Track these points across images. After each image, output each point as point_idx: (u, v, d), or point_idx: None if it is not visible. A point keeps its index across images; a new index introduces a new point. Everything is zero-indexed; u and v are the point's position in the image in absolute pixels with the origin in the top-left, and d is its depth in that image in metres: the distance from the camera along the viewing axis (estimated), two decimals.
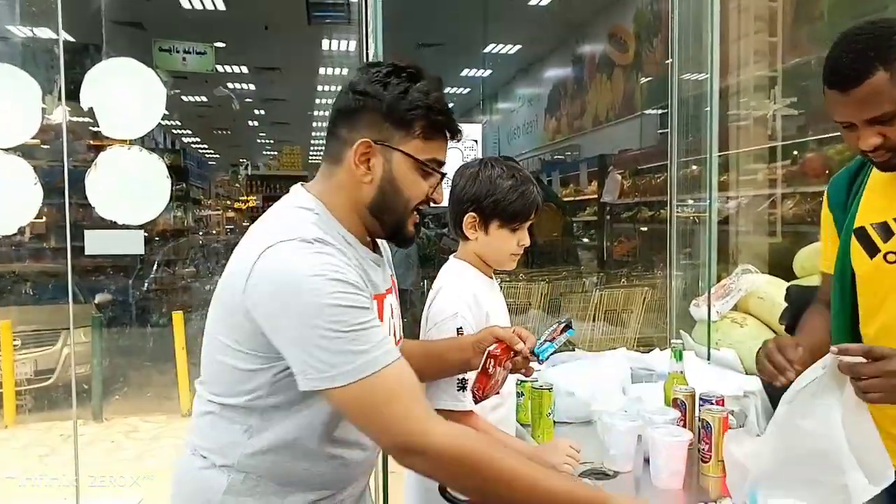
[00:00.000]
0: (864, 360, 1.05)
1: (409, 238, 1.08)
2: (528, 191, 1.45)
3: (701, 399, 1.56)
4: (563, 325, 1.34)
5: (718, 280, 2.71)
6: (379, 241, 1.15)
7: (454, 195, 1.51)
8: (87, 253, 2.48)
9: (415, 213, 1.07)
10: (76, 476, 2.62)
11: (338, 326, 0.88)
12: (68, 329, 5.07)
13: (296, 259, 0.91)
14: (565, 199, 7.58)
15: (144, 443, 4.36)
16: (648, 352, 2.36)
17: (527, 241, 1.49)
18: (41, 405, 4.82)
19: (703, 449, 1.43)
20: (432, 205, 1.08)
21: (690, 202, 3.55)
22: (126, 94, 2.34)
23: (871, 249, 1.27)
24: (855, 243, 1.30)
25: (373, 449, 1.11)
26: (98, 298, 5.66)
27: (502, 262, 1.51)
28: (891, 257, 1.24)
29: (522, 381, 1.74)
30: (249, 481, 1.01)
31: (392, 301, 1.13)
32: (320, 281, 0.89)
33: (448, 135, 1.05)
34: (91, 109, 2.34)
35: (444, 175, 1.08)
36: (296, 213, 1.01)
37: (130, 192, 2.40)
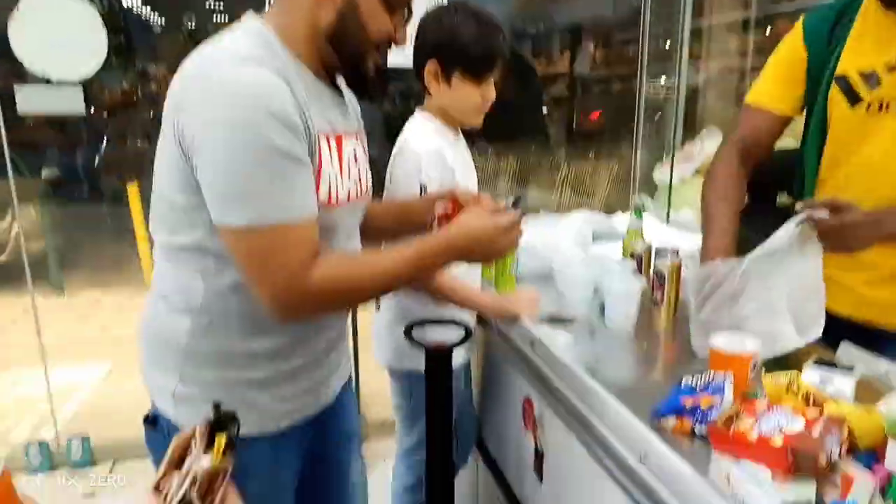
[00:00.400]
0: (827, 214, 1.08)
1: (366, 79, 1.00)
2: (492, 38, 1.36)
3: (656, 252, 1.58)
4: (512, 201, 1.28)
5: (682, 145, 2.70)
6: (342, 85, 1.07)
7: (416, 42, 1.41)
8: (20, 111, 2.30)
9: (376, 53, 0.99)
10: (41, 346, 2.62)
11: (255, 162, 0.83)
12: (16, 204, 4.91)
13: (238, 79, 0.84)
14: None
15: (109, 314, 4.37)
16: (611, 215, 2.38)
17: (492, 96, 1.42)
18: None
19: (657, 297, 1.47)
20: (394, 46, 1.00)
21: (662, 77, 3.46)
22: None
23: (853, 98, 1.24)
24: (835, 90, 1.26)
25: None
26: (45, 174, 5.42)
27: (467, 116, 1.45)
28: (873, 108, 1.21)
29: None
30: (213, 325, 0.99)
31: (355, 146, 1.06)
32: (253, 109, 0.83)
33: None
34: None
35: (410, 14, 1.00)
36: (242, 35, 0.93)
37: (62, 43, 2.19)
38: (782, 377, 0.90)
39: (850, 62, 1.25)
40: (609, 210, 4.06)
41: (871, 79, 1.22)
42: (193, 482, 0.51)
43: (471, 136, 1.59)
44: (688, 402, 0.92)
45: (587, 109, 6.77)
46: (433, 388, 1.28)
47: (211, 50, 0.90)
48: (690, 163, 2.46)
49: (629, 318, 1.38)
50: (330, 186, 0.96)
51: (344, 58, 0.98)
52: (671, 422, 0.93)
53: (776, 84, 1.38)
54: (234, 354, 1.00)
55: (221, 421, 0.56)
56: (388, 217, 1.30)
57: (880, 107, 1.21)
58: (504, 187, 4.47)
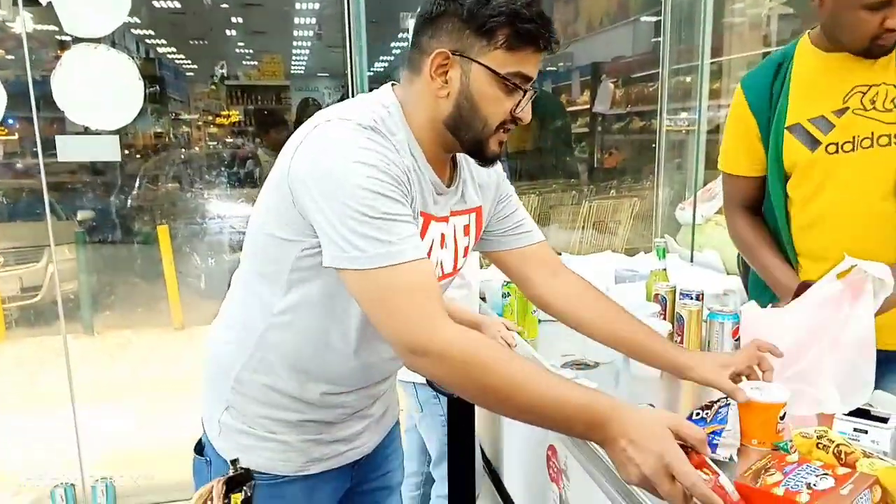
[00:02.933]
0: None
1: (490, 157, 1.01)
2: None
3: (681, 294, 1.57)
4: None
5: (705, 185, 2.69)
6: (463, 167, 1.09)
7: None
8: (59, 159, 2.39)
9: (500, 131, 0.98)
10: (70, 388, 2.66)
11: (368, 210, 0.86)
12: (52, 246, 5.05)
13: (344, 138, 0.89)
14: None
15: (138, 356, 4.43)
16: (633, 255, 2.37)
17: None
18: (30, 322, 4.85)
19: (677, 341, 1.45)
20: (521, 121, 0.98)
21: (682, 114, 3.48)
22: None
23: (812, 143, 1.31)
24: (789, 139, 1.33)
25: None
26: (80, 215, 5.59)
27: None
28: (831, 148, 1.29)
29: (507, 283, 1.74)
30: (265, 361, 1.02)
31: (446, 230, 1.05)
32: (360, 163, 0.87)
33: (540, 45, 0.94)
34: (50, 4, 2.19)
35: (533, 91, 0.97)
36: (368, 103, 0.98)
37: (101, 94, 2.29)
38: (813, 431, 0.88)
39: (798, 112, 1.33)
40: (631, 249, 4.03)
41: (821, 124, 1.30)
42: None
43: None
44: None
45: (608, 147, 6.80)
46: (456, 436, 1.27)
47: (339, 110, 0.95)
48: (713, 202, 2.45)
49: None
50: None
51: (465, 143, 0.99)
52: None
53: (737, 152, 1.45)
54: (280, 394, 1.03)
55: (238, 479, 0.56)
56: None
57: (838, 147, 1.28)
58: None
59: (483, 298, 1.94)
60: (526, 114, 0.97)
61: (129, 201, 5.90)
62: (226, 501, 0.52)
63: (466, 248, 1.12)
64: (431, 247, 1.02)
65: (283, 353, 1.01)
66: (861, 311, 1.11)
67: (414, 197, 0.95)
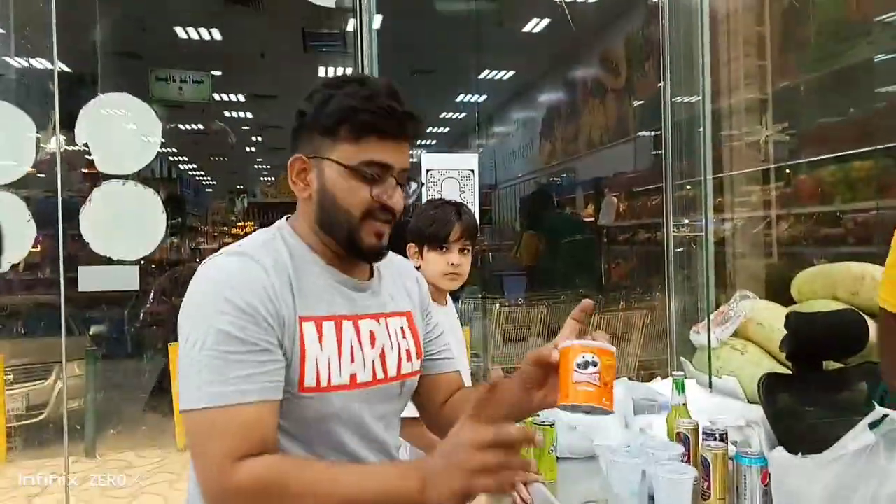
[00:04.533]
0: None
1: (367, 251, 1.00)
2: (445, 218, 1.76)
3: (704, 433, 1.54)
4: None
5: (717, 305, 2.69)
6: (382, 269, 1.11)
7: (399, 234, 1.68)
8: (80, 289, 2.45)
9: (370, 221, 0.98)
10: None
11: (203, 347, 0.87)
12: (61, 363, 5.03)
13: (210, 269, 0.93)
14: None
15: (139, 479, 4.28)
16: (650, 379, 2.33)
17: (456, 261, 1.75)
18: (32, 442, 4.74)
19: (703, 486, 1.40)
20: (389, 210, 0.99)
21: (686, 223, 3.55)
22: (121, 129, 2.34)
23: None
24: None
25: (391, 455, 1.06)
26: (93, 330, 5.61)
27: (438, 281, 1.76)
28: None
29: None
30: None
31: (377, 329, 1.04)
32: (213, 295, 0.89)
33: (386, 132, 0.96)
34: (86, 144, 2.34)
35: (396, 178, 0.98)
36: (258, 234, 1.03)
37: (125, 227, 2.39)
38: None
39: None
40: (646, 366, 3.98)
41: None
42: None
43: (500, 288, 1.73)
44: None
45: (614, 258, 6.89)
46: None
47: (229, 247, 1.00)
48: (727, 325, 2.44)
49: None
50: (318, 370, 0.94)
51: (339, 240, 1.00)
52: None
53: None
54: None
55: None
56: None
57: None
58: (535, 343, 4.46)
59: None
60: (395, 201, 0.98)
61: (142, 317, 5.94)
62: None
63: (409, 352, 1.08)
64: (352, 346, 0.98)
65: None
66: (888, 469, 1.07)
67: (286, 312, 0.93)
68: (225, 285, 0.90)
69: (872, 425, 1.10)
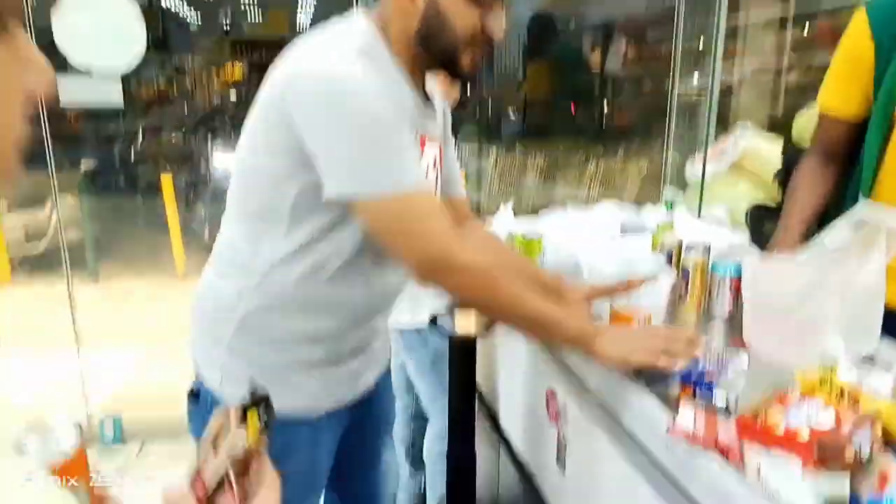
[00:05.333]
0: None
1: (462, 72, 1.01)
2: None
3: (686, 247, 1.56)
4: None
5: (716, 140, 2.65)
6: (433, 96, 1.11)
7: None
8: (62, 102, 2.36)
9: (472, 48, 0.99)
10: (74, 330, 2.69)
11: (379, 138, 0.87)
12: (54, 194, 5.06)
13: (343, 65, 0.89)
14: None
15: (142, 303, 4.46)
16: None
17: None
18: (35, 269, 4.88)
19: (681, 292, 1.44)
20: (497, 37, 0.99)
21: (695, 76, 3.40)
22: None
23: None
24: None
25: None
26: (84, 165, 5.56)
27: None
28: None
29: (513, 233, 1.73)
30: (272, 302, 1.00)
31: (436, 154, 1.09)
32: (365, 91, 0.87)
33: None
34: None
35: (505, 5, 0.98)
36: (347, 32, 0.97)
37: (102, 34, 2.25)
38: (817, 372, 0.87)
39: None
40: (639, 204, 4.01)
41: None
42: (231, 463, 0.52)
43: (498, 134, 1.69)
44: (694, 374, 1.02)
45: (618, 106, 6.69)
46: (456, 377, 1.28)
47: (321, 44, 0.94)
48: (723, 158, 2.41)
49: (658, 313, 1.35)
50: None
51: (435, 58, 1.00)
52: (675, 389, 0.99)
53: (840, 87, 1.28)
54: (283, 332, 1.02)
55: (256, 401, 0.56)
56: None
57: None
58: (533, 180, 4.46)
59: None
60: (498, 30, 0.98)
61: (133, 153, 5.87)
62: (243, 424, 0.52)
63: (436, 181, 1.13)
64: (428, 168, 1.04)
65: (291, 291, 1.00)
66: (872, 262, 1.09)
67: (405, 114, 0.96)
68: (367, 79, 0.89)
69: (850, 224, 1.10)
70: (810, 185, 1.35)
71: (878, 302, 1.10)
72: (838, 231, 1.11)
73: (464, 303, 1.02)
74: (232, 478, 0.50)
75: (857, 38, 1.23)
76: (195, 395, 1.10)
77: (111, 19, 2.25)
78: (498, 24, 0.98)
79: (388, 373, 1.27)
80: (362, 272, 1.01)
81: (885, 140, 1.21)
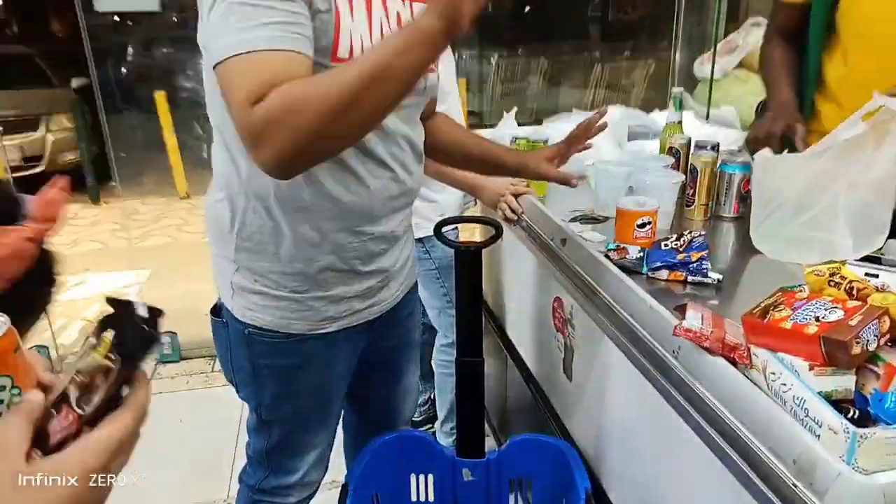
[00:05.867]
0: None
1: None
2: None
3: (696, 147, 1.52)
4: None
5: (726, 36, 2.53)
6: None
7: None
8: (98, 8, 2.28)
9: None
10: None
11: (228, 6, 0.79)
12: (49, 114, 4.95)
13: None
14: None
15: (146, 223, 4.47)
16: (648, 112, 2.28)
17: None
18: (34, 191, 4.84)
19: (689, 193, 1.42)
20: None
21: None
22: None
23: None
24: None
25: (410, 171, 1.04)
26: (75, 83, 5.39)
27: None
28: None
29: (517, 138, 1.69)
30: (260, 208, 0.97)
31: (403, 11, 0.97)
32: None
33: None
34: None
35: None
36: None
37: None
38: (825, 268, 0.86)
39: None
40: (645, 108, 3.89)
41: None
42: (72, 383, 0.48)
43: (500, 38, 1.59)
44: (679, 257, 1.08)
45: (621, 7, 6.36)
46: (463, 286, 1.28)
47: None
48: (734, 54, 2.31)
49: (665, 215, 1.34)
50: (352, 41, 0.88)
51: None
52: (664, 274, 1.08)
53: None
54: (279, 241, 0.99)
55: (115, 317, 0.50)
56: (471, 151, 1.28)
57: None
58: (536, 85, 4.32)
59: None
60: None
61: (124, 69, 5.67)
62: (97, 341, 0.47)
63: None
64: (381, 24, 0.93)
65: (275, 194, 0.96)
66: (883, 154, 1.05)
67: None
68: None
69: (866, 116, 1.05)
70: (782, 58, 1.44)
71: (889, 194, 1.08)
72: (851, 123, 1.07)
73: (301, 149, 0.79)
74: (72, 399, 0.47)
75: None
76: (216, 311, 1.11)
77: None
78: None
79: (412, 293, 1.24)
80: (343, 168, 0.96)
81: (826, 23, 1.32)
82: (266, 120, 0.75)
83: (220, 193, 1.01)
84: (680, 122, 1.61)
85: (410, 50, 0.75)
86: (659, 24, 5.42)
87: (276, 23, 0.79)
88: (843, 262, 0.89)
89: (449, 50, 1.84)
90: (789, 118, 1.29)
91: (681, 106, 1.64)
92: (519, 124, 2.05)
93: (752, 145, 1.33)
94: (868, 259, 1.02)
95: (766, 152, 1.17)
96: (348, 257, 1.03)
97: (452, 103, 1.69)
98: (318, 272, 1.02)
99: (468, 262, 1.26)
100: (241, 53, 0.77)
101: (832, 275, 0.84)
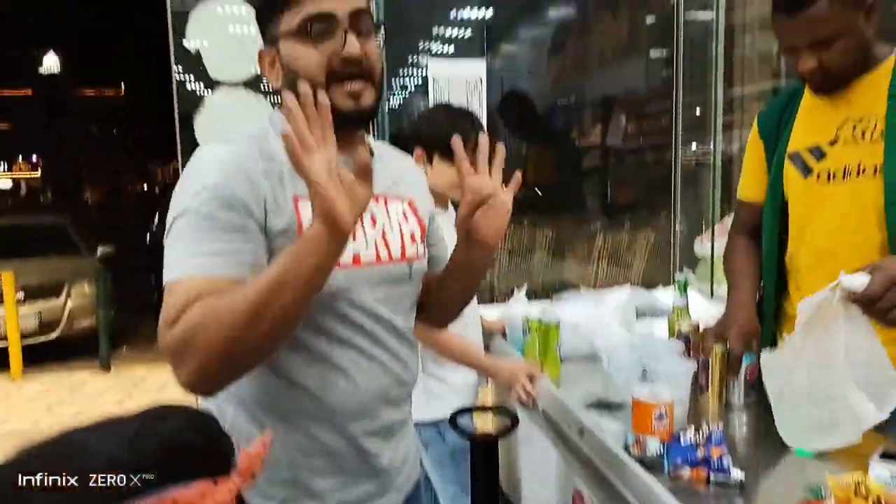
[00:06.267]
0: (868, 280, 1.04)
1: (346, 115, 0.90)
2: (463, 128, 1.53)
3: (704, 332, 1.55)
4: None
5: (722, 217, 2.68)
6: (376, 156, 1.04)
7: (406, 136, 1.69)
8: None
9: (341, 83, 0.91)
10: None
11: (176, 226, 0.86)
12: (71, 281, 5.12)
13: (196, 156, 0.92)
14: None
15: (152, 393, 4.42)
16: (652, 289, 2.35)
17: None
18: (47, 358, 4.87)
19: (702, 381, 1.43)
20: (349, 56, 0.90)
21: (695, 145, 3.49)
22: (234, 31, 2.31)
23: (805, 170, 1.37)
24: (789, 167, 1.39)
25: (402, 360, 1.01)
26: (101, 250, 5.64)
27: (446, 191, 1.67)
28: (822, 177, 1.34)
29: (530, 319, 1.74)
30: (244, 416, 0.95)
31: (376, 210, 1.00)
32: (191, 179, 0.88)
33: None
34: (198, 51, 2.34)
35: (348, 27, 0.90)
36: (252, 128, 0.99)
37: (237, 132, 2.44)
38: (849, 477, 0.85)
39: (799, 141, 1.39)
40: (649, 282, 3.99)
41: (815, 153, 1.36)
42: None
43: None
44: (699, 452, 1.06)
45: (621, 179, 6.80)
46: (478, 479, 1.25)
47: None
48: None
49: (681, 403, 1.34)
50: None
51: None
52: (686, 472, 1.05)
53: (749, 178, 1.54)
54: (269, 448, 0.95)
55: None
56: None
57: (829, 177, 1.33)
58: (541, 259, 4.47)
59: (503, 335, 1.93)
60: (350, 49, 0.90)
61: (149, 237, 5.96)
62: None
63: (413, 236, 1.05)
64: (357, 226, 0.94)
65: (259, 400, 0.94)
66: (853, 322, 1.08)
67: (275, 194, 0.90)
68: (204, 170, 0.89)
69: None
70: (743, 255, 1.53)
71: (883, 360, 1.09)
72: (816, 301, 1.10)
73: (207, 372, 0.81)
74: None
75: (753, 139, 1.52)
76: None
77: (248, 120, 2.36)
78: (346, 43, 0.90)
79: (416, 490, 1.14)
80: (325, 363, 0.94)
81: (782, 218, 1.43)
82: (177, 342, 0.79)
83: (214, 400, 0.97)
84: (686, 307, 1.67)
85: (301, 257, 0.78)
86: (655, 197, 5.76)
87: (216, 251, 0.84)
88: (866, 472, 0.88)
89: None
90: (741, 322, 1.38)
91: (685, 290, 1.71)
92: (529, 298, 2.12)
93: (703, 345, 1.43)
94: (891, 457, 1.01)
95: (765, 354, 1.21)
96: (341, 460, 0.97)
97: (470, 318, 1.76)
98: (308, 478, 0.96)
99: (484, 454, 1.24)
100: (178, 279, 0.83)
101: (857, 485, 0.83)
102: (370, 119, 1.00)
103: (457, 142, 0.97)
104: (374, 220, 1.00)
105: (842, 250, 1.31)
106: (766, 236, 1.47)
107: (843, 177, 1.31)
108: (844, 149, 1.32)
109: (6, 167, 39.56)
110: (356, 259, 0.95)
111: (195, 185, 0.87)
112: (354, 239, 0.95)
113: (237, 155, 0.90)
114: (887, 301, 1.03)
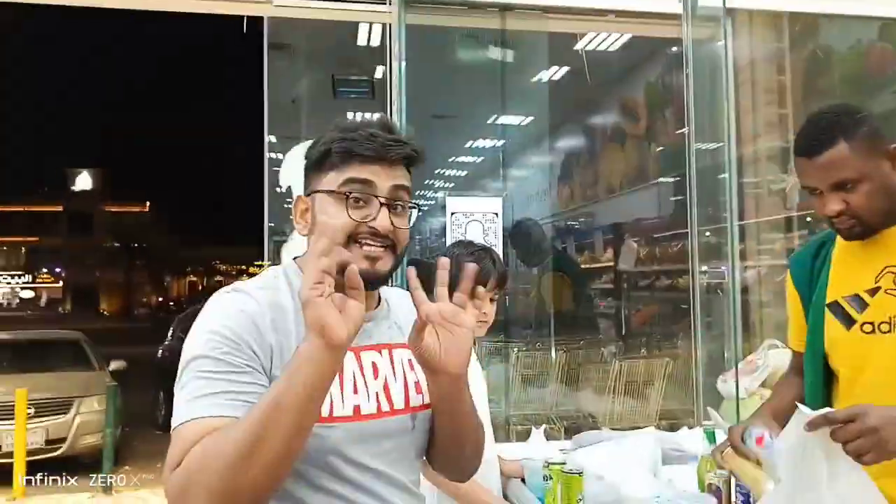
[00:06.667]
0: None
1: (363, 275, 0.90)
2: (484, 267, 1.63)
3: (738, 485, 1.50)
4: None
5: (744, 354, 2.66)
6: (387, 305, 1.07)
7: (423, 277, 1.67)
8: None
9: (357, 245, 0.95)
10: None
11: (187, 370, 0.88)
12: (81, 397, 5.07)
13: (208, 304, 0.96)
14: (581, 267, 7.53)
15: None
16: (675, 428, 2.29)
17: (488, 310, 1.71)
18: (49, 472, 4.71)
19: None
20: (378, 230, 0.95)
21: (706, 270, 3.51)
22: None
23: (847, 321, 1.32)
24: (829, 317, 1.35)
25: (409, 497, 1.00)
26: (113, 365, 5.63)
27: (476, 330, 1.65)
28: (867, 328, 1.29)
29: (551, 464, 1.69)
30: None
31: (379, 360, 1.01)
32: (203, 326, 0.91)
33: (366, 154, 0.95)
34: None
35: (384, 200, 0.96)
36: (264, 272, 1.05)
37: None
38: None
39: (836, 289, 1.35)
40: (668, 416, 3.89)
41: (855, 302, 1.32)
42: None
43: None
44: None
45: (634, 304, 6.82)
46: None
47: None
48: (755, 374, 2.41)
49: None
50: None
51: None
52: None
53: (794, 328, 1.51)
54: None
55: None
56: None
57: (873, 328, 1.29)
58: (555, 389, 4.40)
59: (522, 480, 1.87)
60: (379, 222, 0.95)
61: (161, 352, 5.97)
62: None
63: (418, 385, 1.03)
64: (354, 377, 0.96)
65: None
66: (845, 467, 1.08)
67: (281, 342, 0.92)
68: (214, 317, 0.93)
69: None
70: (786, 393, 1.49)
71: (861, 476, 1.08)
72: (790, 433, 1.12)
73: (224, 490, 0.80)
74: None
75: (790, 290, 1.49)
76: None
77: None
78: (377, 215, 0.95)
79: None
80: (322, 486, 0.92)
81: (824, 372, 1.38)
82: (181, 483, 0.81)
83: None
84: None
85: (296, 376, 0.80)
86: (669, 323, 5.74)
87: (222, 392, 0.86)
88: None
89: (479, 374, 1.89)
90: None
91: (713, 438, 1.67)
92: (547, 438, 2.07)
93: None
94: None
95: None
96: None
97: (482, 412, 1.74)
98: None
99: None
100: (185, 422, 0.85)
101: None
102: (385, 282, 1.03)
103: (440, 269, 0.96)
104: (375, 372, 1.00)
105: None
106: (808, 388, 1.42)
107: (891, 328, 1.27)
108: (887, 298, 1.28)
109: (31, 278, 40.62)
110: (356, 411, 0.95)
111: (205, 332, 0.91)
112: (356, 392, 0.96)
113: (247, 304, 0.94)
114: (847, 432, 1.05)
